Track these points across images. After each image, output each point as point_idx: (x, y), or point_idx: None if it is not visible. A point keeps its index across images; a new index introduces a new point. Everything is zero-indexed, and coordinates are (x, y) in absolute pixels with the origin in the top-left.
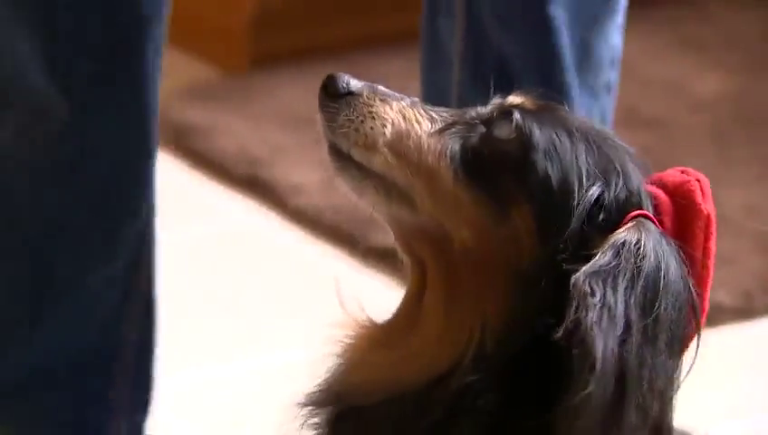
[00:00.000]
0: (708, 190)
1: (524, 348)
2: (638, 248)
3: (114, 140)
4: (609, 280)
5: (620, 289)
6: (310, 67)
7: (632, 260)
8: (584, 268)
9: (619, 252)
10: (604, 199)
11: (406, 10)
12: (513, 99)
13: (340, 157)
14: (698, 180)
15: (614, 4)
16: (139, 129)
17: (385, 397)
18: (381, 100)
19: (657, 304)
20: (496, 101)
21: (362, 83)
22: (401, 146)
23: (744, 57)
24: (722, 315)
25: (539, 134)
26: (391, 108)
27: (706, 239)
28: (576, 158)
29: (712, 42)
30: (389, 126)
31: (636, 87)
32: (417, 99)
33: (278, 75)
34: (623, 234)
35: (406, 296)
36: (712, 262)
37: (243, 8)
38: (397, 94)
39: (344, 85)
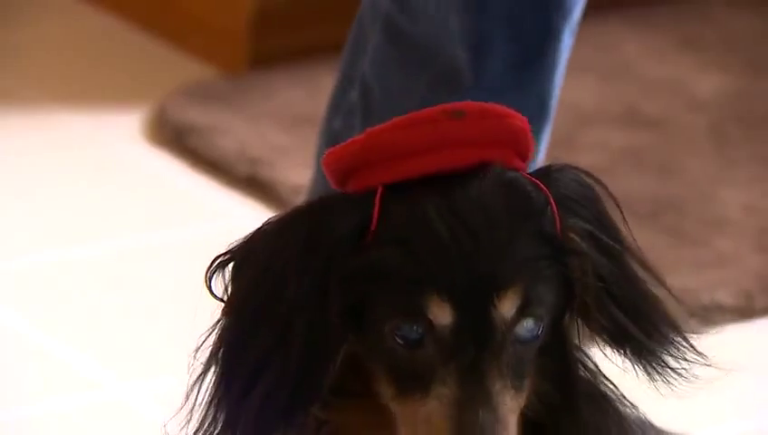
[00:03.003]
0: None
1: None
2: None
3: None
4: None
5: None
6: (310, 67)
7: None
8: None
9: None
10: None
11: None
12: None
13: None
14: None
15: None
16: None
17: None
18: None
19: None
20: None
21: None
22: None
23: (744, 57)
24: (722, 315)
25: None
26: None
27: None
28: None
29: (712, 41)
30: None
31: (635, 86)
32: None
33: (278, 75)
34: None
35: None
36: None
37: (243, 8)
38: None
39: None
